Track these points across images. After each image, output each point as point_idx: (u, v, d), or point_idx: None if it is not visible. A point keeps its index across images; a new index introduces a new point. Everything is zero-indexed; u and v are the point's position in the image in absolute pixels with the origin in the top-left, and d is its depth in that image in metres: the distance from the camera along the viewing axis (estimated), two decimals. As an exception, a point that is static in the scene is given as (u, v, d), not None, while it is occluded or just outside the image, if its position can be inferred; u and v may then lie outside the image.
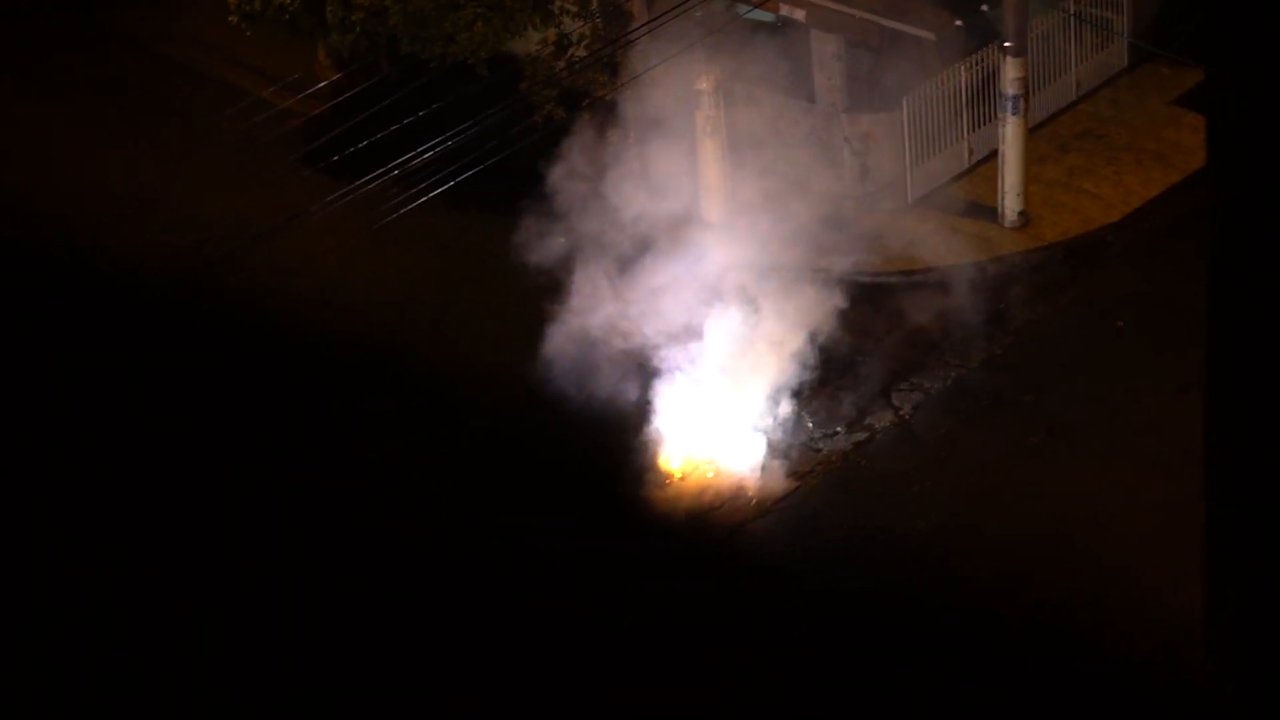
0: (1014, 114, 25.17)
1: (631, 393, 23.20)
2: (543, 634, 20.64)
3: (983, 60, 25.95)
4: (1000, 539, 21.34)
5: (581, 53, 25.99)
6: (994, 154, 25.77)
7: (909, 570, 21.09)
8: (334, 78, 29.36)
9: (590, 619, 20.78)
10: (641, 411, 23.04)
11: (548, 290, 25.37)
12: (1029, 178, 25.58)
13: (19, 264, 26.97)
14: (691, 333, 23.64)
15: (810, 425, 23.04)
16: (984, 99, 26.15)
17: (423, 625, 20.85)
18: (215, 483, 22.98)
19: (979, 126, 26.42)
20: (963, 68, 26.02)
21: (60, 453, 23.62)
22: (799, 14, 25.50)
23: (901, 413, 23.21)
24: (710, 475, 22.51)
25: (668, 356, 23.53)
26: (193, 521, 22.41)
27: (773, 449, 22.67)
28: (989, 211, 25.75)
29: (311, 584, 21.48)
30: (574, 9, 25.97)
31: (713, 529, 21.87)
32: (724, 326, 23.63)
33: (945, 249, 25.25)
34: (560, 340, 24.18)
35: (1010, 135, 25.29)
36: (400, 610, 21.06)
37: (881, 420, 23.13)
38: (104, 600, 21.43)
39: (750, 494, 22.28)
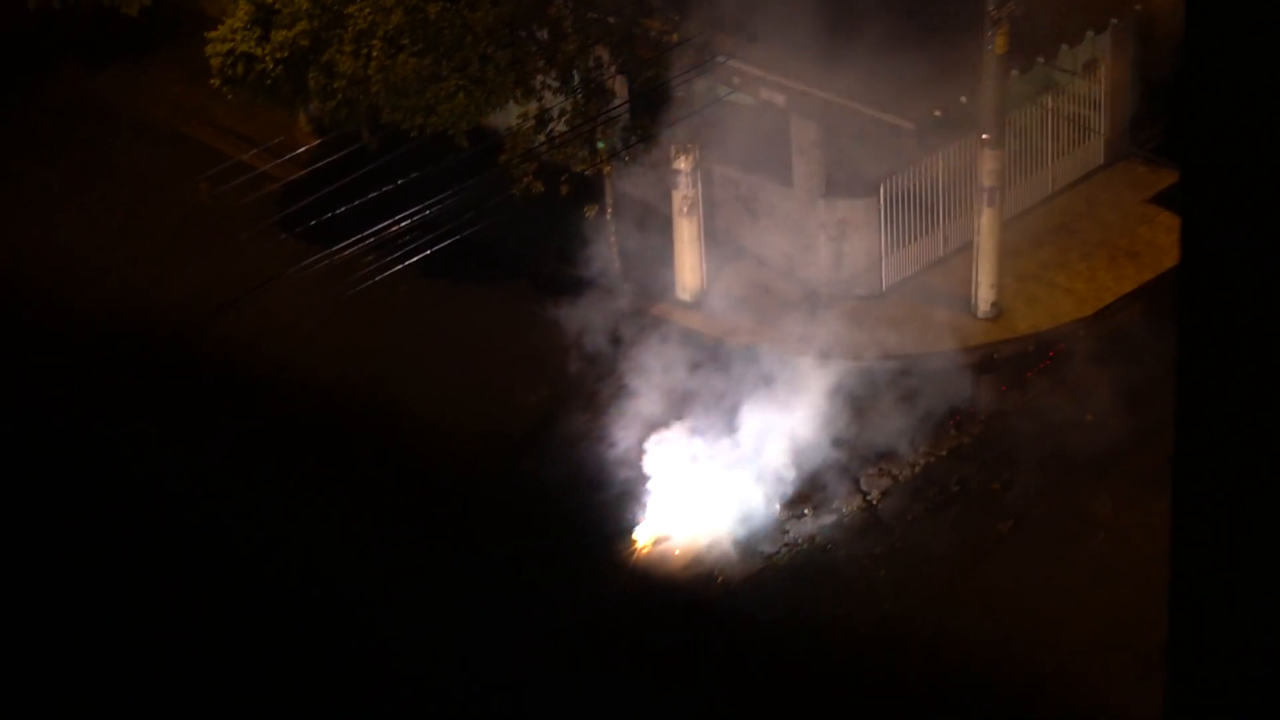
0: (990, 205, 25.29)
1: (601, 469, 23.17)
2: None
3: (961, 151, 26.08)
4: (956, 631, 21.31)
5: (562, 127, 26.06)
6: (969, 244, 25.85)
7: (865, 657, 21.05)
8: (313, 144, 29.41)
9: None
10: (611, 488, 23.00)
11: (522, 363, 25.41)
12: (1003, 269, 25.67)
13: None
14: (662, 412, 23.64)
15: (779, 507, 23.00)
16: (961, 190, 26.28)
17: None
18: (184, 557, 22.89)
19: (955, 217, 26.52)
20: (940, 158, 26.15)
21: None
22: (779, 99, 25.63)
23: (869, 498, 23.19)
24: (677, 553, 22.46)
25: (638, 434, 23.51)
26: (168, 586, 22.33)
27: (740, 530, 22.64)
28: (962, 301, 25.83)
29: (292, 647, 21.36)
30: (555, 84, 26.07)
31: (676, 607, 21.79)
32: (695, 408, 23.63)
33: (917, 337, 25.29)
34: (534, 413, 24.17)
35: (985, 226, 25.40)
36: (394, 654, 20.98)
37: (849, 505, 23.11)
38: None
39: (716, 573, 22.22)
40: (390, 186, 28.32)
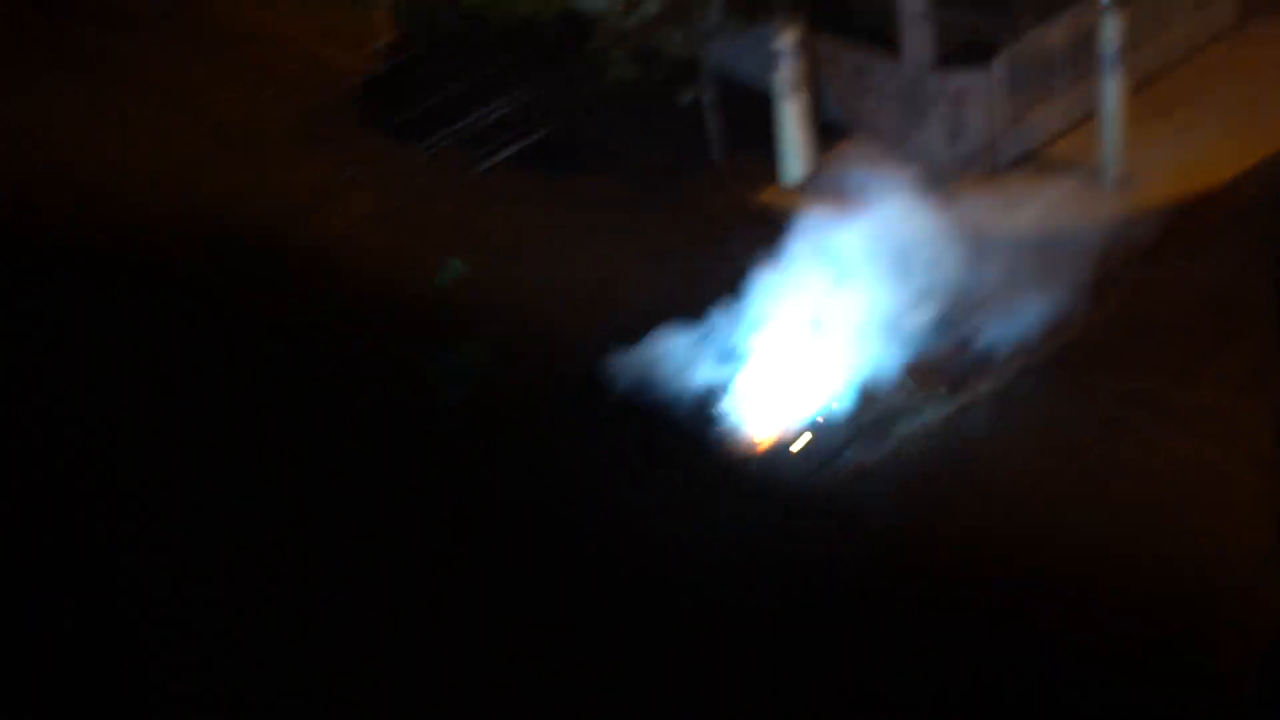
0: (1114, 72, 23.80)
1: (719, 361, 21.95)
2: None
3: (1081, 16, 24.58)
4: (1091, 510, 20.11)
5: (654, 8, 24.71)
6: (1093, 114, 24.41)
7: (1004, 536, 19.86)
8: (396, 36, 28.22)
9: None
10: (736, 373, 21.79)
11: (627, 258, 24.22)
12: (1130, 138, 24.21)
13: (107, 215, 25.87)
14: (778, 301, 22.41)
15: (909, 390, 21.75)
16: (1084, 56, 24.79)
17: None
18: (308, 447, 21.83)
19: (1076, 85, 25.06)
20: (1060, 24, 24.67)
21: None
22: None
23: (999, 379, 21.89)
24: (803, 442, 21.24)
25: (748, 323, 22.30)
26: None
27: (870, 414, 21.42)
28: (1089, 173, 24.42)
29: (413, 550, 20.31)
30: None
31: (810, 492, 20.59)
32: (812, 295, 22.40)
33: (1041, 213, 23.93)
34: (644, 308, 22.97)
35: (1110, 94, 23.92)
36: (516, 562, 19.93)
37: (979, 387, 21.82)
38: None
39: (846, 460, 20.99)
40: (477, 78, 27.20)
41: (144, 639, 19.30)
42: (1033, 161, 24.92)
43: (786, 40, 24.41)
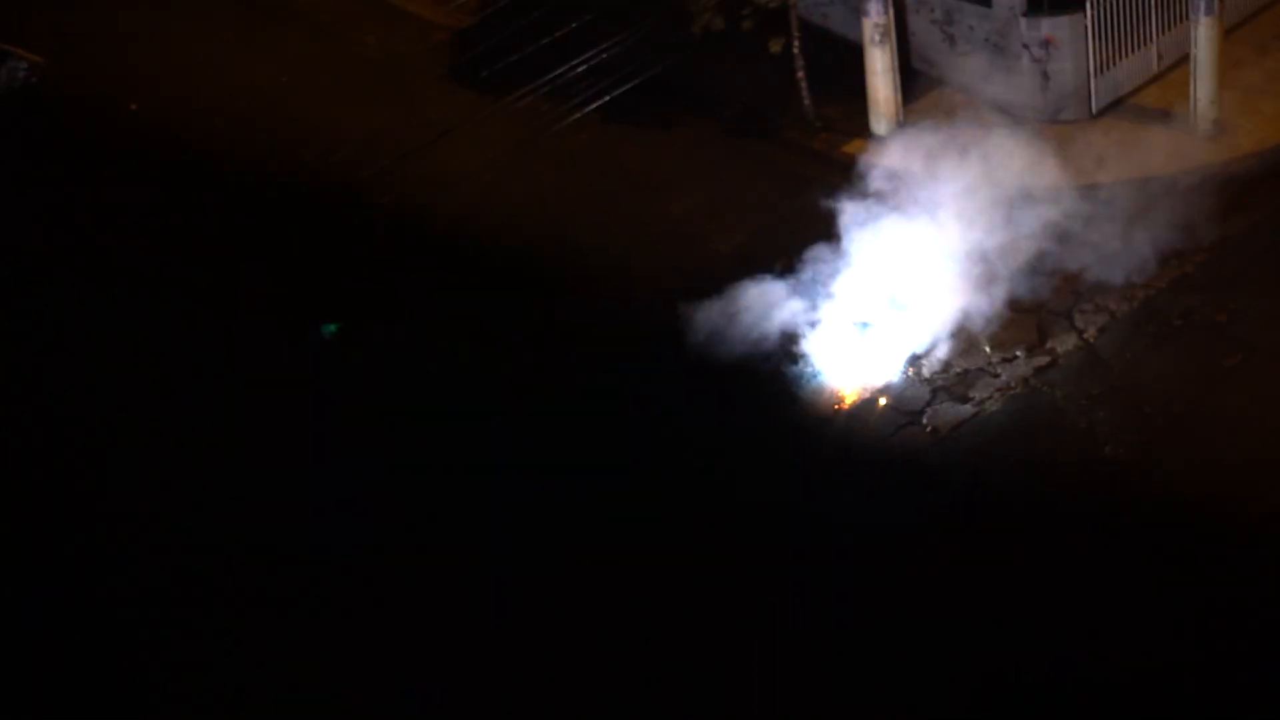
0: (1207, 14, 23.40)
1: (793, 317, 21.83)
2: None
3: (1174, -43, 24.24)
4: (1189, 468, 19.79)
5: (742, -42, 24.60)
6: (1185, 59, 24.02)
7: (1089, 500, 19.61)
8: (484, -10, 28.31)
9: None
10: (805, 337, 21.68)
11: (709, 208, 24.15)
12: (1224, 83, 23.81)
13: (161, 177, 26.11)
14: (858, 255, 22.25)
15: (988, 349, 21.55)
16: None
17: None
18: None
19: (1168, 29, 24.67)
20: (1152, -36, 24.33)
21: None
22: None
23: (1086, 335, 21.65)
24: (882, 403, 21.11)
25: (832, 277, 22.16)
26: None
27: (949, 375, 21.24)
28: (1180, 121, 24.04)
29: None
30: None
31: (887, 458, 20.46)
32: (894, 245, 22.21)
33: (1133, 161, 23.59)
34: (725, 260, 22.88)
35: (1203, 37, 23.52)
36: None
37: (1064, 344, 21.59)
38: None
39: (926, 421, 20.85)
40: (562, 31, 27.18)
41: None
42: (1124, 108, 24.57)
43: (873, -12, 24.21)
